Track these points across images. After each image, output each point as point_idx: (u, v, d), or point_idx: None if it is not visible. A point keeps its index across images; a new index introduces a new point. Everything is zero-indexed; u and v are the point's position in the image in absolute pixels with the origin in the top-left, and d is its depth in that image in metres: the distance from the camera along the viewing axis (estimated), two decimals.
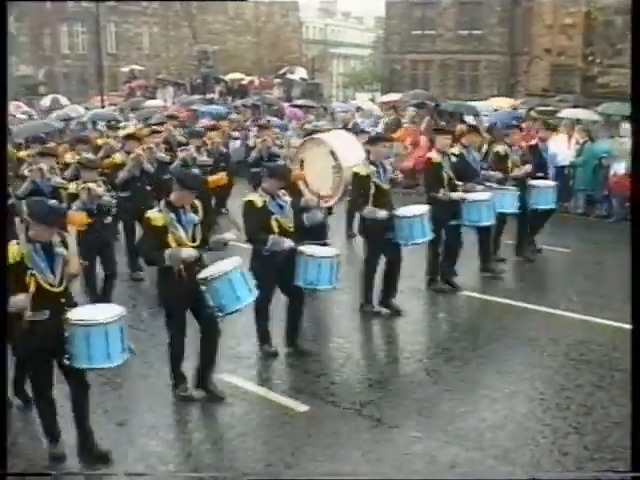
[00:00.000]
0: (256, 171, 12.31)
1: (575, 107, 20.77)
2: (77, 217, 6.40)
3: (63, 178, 10.12)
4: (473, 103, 22.08)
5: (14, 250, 5.52)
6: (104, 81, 35.31)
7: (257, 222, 7.42)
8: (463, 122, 18.09)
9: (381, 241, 8.79)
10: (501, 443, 5.96)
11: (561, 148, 14.75)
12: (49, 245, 5.67)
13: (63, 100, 29.62)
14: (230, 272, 6.58)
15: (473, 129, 12.07)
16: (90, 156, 10.65)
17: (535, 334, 8.28)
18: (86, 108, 25.87)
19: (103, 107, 26.13)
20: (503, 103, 24.34)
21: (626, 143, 12.02)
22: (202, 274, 6.59)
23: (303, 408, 6.58)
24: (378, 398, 6.73)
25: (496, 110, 21.73)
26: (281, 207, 7.56)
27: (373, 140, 9.36)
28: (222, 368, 7.12)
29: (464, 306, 9.60)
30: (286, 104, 25.41)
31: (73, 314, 5.65)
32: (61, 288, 5.70)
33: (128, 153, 11.03)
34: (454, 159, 9.91)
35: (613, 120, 18.84)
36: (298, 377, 7.32)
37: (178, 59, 46.94)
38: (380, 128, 18.91)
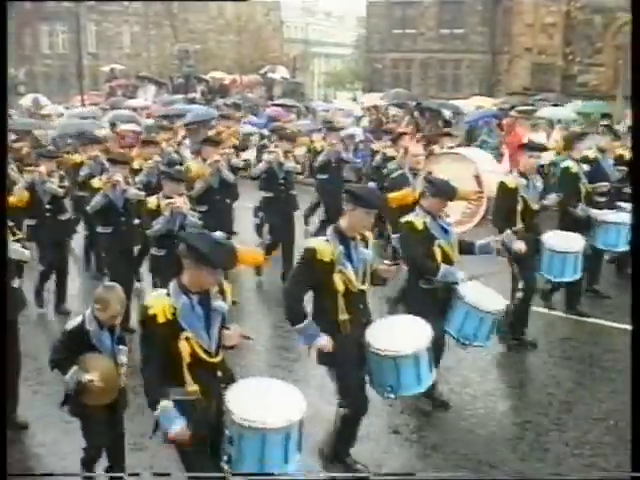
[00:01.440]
0: (323, 177, 11.58)
1: (555, 106, 20.92)
2: (252, 255, 5.57)
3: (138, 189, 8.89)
4: (454, 102, 22.16)
5: (164, 305, 4.10)
6: (84, 80, 35.08)
7: (421, 248, 6.04)
8: (445, 121, 18.17)
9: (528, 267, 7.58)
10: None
11: None
12: (206, 296, 4.24)
13: (43, 100, 29.44)
14: (423, 349, 5.12)
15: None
16: (178, 167, 9.62)
17: None
18: (66, 108, 25.73)
19: (84, 106, 25.93)
20: (484, 102, 24.44)
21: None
22: (381, 344, 5.07)
23: None
24: None
25: (477, 108, 21.82)
26: (445, 231, 6.17)
27: (530, 148, 7.84)
28: None
29: None
30: (267, 103, 25.45)
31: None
32: (218, 358, 4.30)
33: (204, 160, 9.48)
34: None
35: (592, 119, 18.99)
36: None
37: (159, 58, 46.79)
38: (361, 128, 18.98)
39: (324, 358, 5.15)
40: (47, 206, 9.10)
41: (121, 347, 5.17)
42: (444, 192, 6.14)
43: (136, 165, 10.28)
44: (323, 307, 5.13)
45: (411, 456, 5.78)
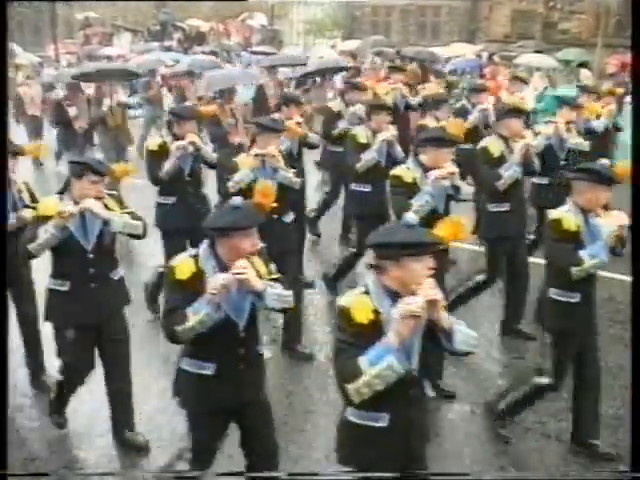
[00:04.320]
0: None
1: (537, 52, 20.77)
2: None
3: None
4: (434, 49, 21.92)
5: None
6: (58, 29, 34.36)
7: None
8: (424, 68, 17.98)
9: None
10: None
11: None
12: None
13: (18, 49, 28.84)
14: None
15: None
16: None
17: None
18: (40, 57, 25.24)
19: (57, 55, 25.44)
20: (464, 49, 24.21)
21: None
22: None
23: None
24: None
25: (457, 57, 21.62)
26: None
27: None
28: None
29: None
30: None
31: None
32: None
33: (374, 132, 8.05)
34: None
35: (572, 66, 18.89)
36: None
37: (134, 5, 45.83)
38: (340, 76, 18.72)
39: None
40: (187, 178, 7.66)
41: None
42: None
43: None
44: None
45: None
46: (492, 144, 7.20)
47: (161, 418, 6.12)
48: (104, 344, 5.60)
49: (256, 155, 6.75)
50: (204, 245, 4.25)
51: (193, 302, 4.05)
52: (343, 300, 3.67)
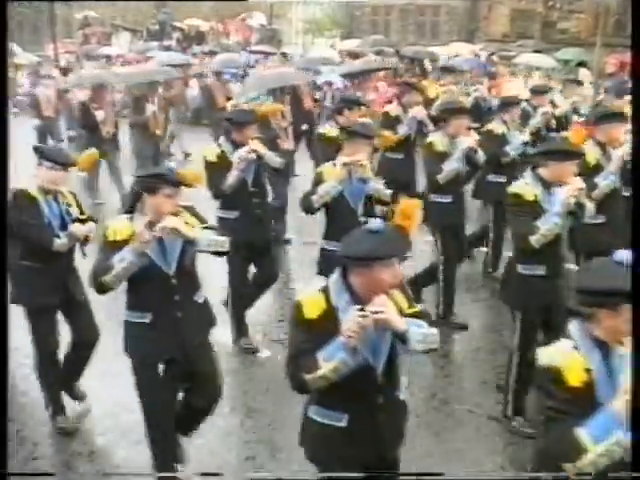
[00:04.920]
0: None
1: (536, 52, 20.79)
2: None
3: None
4: (433, 49, 21.93)
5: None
6: (57, 28, 34.35)
7: None
8: (423, 68, 18.00)
9: None
10: None
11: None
12: None
13: (17, 49, 28.84)
14: None
15: None
16: None
17: None
18: (39, 56, 25.24)
19: (56, 55, 25.39)
20: (463, 49, 24.21)
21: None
22: None
23: None
24: None
25: (456, 56, 21.63)
26: None
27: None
28: None
29: None
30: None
31: None
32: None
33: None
34: None
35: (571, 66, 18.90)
36: None
37: (134, 5, 45.80)
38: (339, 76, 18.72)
39: None
40: (251, 189, 7.08)
41: None
42: None
43: None
44: None
45: None
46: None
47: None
48: (191, 377, 5.00)
49: (344, 164, 6.10)
50: (335, 276, 3.66)
51: (323, 344, 3.48)
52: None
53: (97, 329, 6.07)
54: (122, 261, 4.42)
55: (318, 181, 6.20)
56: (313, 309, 3.54)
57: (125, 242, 4.48)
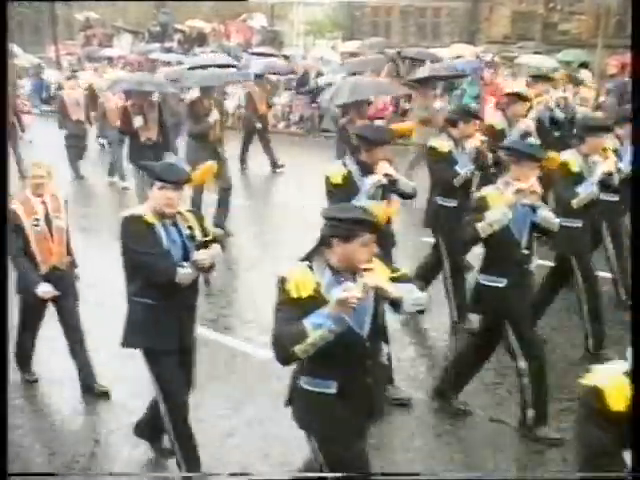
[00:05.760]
0: None
1: (537, 53, 20.80)
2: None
3: None
4: (434, 50, 21.93)
5: None
6: (58, 29, 34.38)
7: None
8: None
9: None
10: None
11: None
12: None
13: (18, 50, 28.86)
14: None
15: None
16: None
17: None
18: (40, 57, 25.28)
19: (58, 57, 25.48)
20: (464, 50, 24.21)
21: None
22: None
23: None
24: None
25: (457, 57, 21.63)
26: None
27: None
28: None
29: None
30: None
31: None
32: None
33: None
34: None
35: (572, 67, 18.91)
36: None
37: (135, 6, 45.82)
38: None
39: None
40: None
41: None
42: None
43: None
44: None
45: None
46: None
47: None
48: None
49: (518, 191, 5.44)
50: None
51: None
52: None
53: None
54: (319, 328, 3.60)
55: (482, 207, 5.54)
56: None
57: (311, 298, 3.75)
